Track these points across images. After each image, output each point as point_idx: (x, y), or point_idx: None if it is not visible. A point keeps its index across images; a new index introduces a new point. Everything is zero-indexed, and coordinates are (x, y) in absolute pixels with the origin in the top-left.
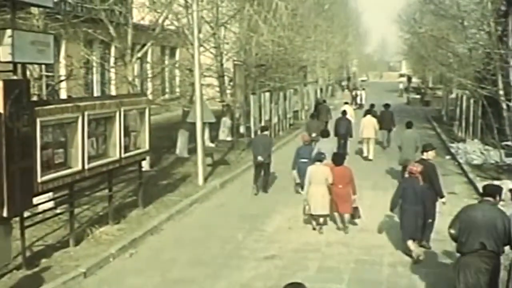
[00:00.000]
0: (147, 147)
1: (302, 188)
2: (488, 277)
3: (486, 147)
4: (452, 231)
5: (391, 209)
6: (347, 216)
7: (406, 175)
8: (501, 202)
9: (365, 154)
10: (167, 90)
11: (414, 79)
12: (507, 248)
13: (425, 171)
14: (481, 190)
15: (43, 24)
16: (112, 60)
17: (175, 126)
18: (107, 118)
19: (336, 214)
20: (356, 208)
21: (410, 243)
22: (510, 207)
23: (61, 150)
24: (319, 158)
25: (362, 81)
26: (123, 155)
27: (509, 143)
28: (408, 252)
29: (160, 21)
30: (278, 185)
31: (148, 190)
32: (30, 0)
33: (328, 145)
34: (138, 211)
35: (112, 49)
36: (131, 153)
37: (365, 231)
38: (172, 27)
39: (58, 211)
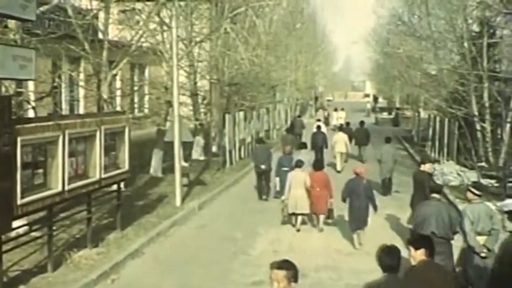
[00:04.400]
0: (126, 167)
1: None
2: (441, 258)
3: (462, 168)
4: (410, 226)
5: (343, 200)
6: (322, 217)
7: (353, 175)
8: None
9: (338, 168)
10: (135, 107)
11: (380, 99)
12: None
13: (421, 181)
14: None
15: (20, 38)
16: (82, 77)
17: (147, 144)
18: (87, 137)
19: (313, 216)
20: (331, 210)
21: (355, 236)
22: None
23: (40, 171)
24: (299, 164)
25: (328, 100)
26: (103, 176)
27: (483, 164)
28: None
29: (136, 38)
30: (256, 205)
31: (124, 211)
32: (11, 13)
33: (305, 156)
34: (116, 233)
35: (82, 66)
36: (111, 173)
37: (353, 255)
38: (146, 44)
39: (35, 234)
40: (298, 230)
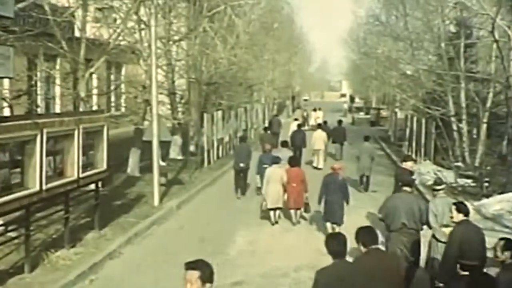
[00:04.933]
0: (105, 166)
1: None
2: (410, 248)
3: (439, 168)
4: (380, 215)
5: (319, 203)
6: (299, 211)
7: (330, 171)
8: None
9: (315, 164)
10: (112, 106)
11: (356, 99)
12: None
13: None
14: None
15: None
16: (58, 75)
17: (123, 144)
18: (65, 135)
19: (292, 211)
20: (307, 204)
21: (328, 225)
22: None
23: (17, 170)
24: (276, 161)
25: (305, 100)
26: (81, 175)
27: (460, 164)
28: (324, 232)
29: (113, 36)
30: (234, 205)
31: (102, 211)
32: None
33: (285, 154)
34: (94, 233)
35: (58, 64)
36: (89, 172)
37: None
38: (124, 43)
39: (12, 234)
40: (275, 223)
